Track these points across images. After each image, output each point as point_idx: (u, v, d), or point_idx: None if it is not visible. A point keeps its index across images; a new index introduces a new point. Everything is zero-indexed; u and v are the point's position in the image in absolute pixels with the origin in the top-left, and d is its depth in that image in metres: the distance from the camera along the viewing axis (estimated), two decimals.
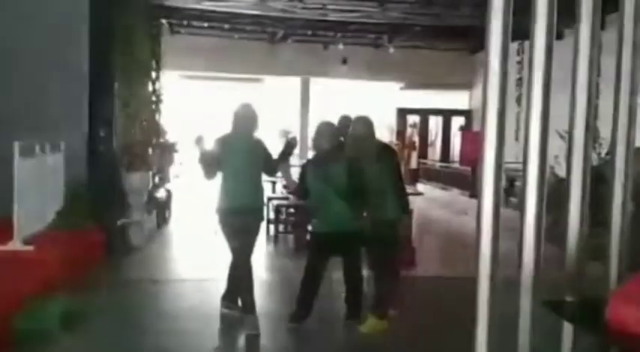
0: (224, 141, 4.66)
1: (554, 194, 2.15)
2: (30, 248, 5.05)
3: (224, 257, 4.85)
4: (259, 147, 4.75)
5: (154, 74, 9.35)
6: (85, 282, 5.16)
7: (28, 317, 3.92)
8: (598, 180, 2.15)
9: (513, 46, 2.03)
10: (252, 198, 4.66)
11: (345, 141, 4.80)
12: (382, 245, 4.65)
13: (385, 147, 5.00)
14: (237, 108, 4.74)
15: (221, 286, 4.90)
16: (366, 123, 4.70)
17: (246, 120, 4.69)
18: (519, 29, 1.89)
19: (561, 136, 2.41)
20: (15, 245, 5.02)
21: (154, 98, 9.30)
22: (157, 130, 9.20)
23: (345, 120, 5.17)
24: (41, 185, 5.67)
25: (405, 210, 4.76)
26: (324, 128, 4.64)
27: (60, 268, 4.88)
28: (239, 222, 4.51)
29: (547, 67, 1.75)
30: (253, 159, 4.67)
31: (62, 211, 6.11)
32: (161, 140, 9.44)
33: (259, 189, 4.78)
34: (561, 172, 2.20)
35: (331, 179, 4.47)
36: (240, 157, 4.61)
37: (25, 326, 3.85)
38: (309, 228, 4.94)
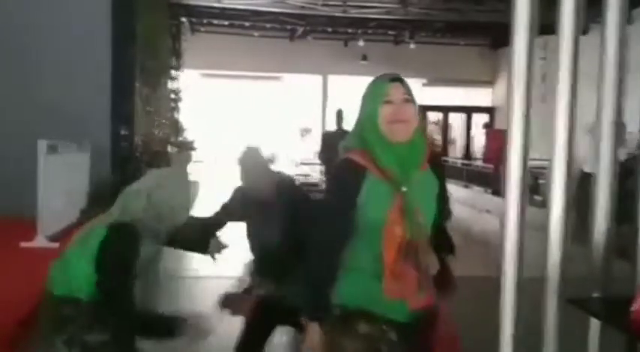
0: None
1: (580, 189, 2.11)
2: (55, 245, 5.12)
3: (238, 255, 4.78)
4: None
5: (173, 73, 9.43)
6: None
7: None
8: (626, 175, 2.11)
9: (538, 42, 1.97)
10: None
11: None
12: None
13: None
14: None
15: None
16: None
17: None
18: (544, 24, 1.86)
19: (588, 132, 2.36)
20: (40, 242, 5.09)
21: (173, 96, 9.38)
22: (175, 128, 9.27)
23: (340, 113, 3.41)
24: (66, 183, 5.74)
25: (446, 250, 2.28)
26: (248, 158, 2.86)
27: None
28: None
29: (573, 62, 1.72)
30: None
31: (87, 209, 6.18)
32: (180, 138, 9.51)
33: None
34: (587, 168, 2.16)
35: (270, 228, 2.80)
36: None
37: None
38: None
